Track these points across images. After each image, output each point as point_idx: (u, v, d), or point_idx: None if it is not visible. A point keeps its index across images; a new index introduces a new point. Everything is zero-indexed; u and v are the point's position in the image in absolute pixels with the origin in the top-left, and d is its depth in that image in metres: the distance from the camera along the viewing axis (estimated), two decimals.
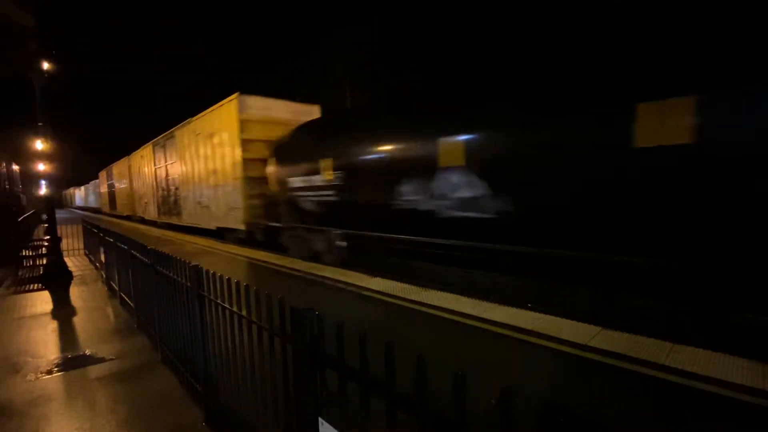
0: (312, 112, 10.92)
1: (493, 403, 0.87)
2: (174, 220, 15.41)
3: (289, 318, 1.59)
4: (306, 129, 8.95)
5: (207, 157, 11.74)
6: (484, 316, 4.19)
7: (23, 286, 6.99)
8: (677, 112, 3.41)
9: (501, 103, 5.06)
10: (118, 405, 2.89)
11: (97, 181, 34.90)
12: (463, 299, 4.82)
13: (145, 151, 18.39)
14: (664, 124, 3.48)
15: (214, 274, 2.36)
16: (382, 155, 6.39)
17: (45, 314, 5.34)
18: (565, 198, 4.36)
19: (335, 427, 1.33)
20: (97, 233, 7.62)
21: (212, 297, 2.38)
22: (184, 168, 13.75)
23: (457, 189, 5.30)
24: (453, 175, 5.32)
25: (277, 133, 9.79)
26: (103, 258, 6.94)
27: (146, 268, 3.77)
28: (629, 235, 4.02)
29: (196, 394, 2.81)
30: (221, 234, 11.66)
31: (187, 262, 2.74)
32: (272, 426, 1.89)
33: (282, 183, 8.87)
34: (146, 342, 4.10)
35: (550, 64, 4.76)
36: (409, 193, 5.95)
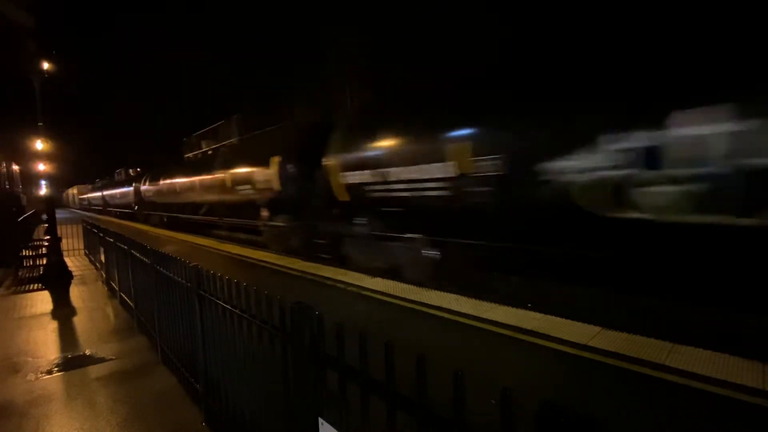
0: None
1: (493, 403, 0.87)
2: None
3: (289, 317, 1.59)
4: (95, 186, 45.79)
5: (78, 191, 56.87)
6: (484, 316, 4.19)
7: (23, 286, 6.98)
8: None
9: None
10: (118, 405, 2.90)
11: (68, 191, 76.04)
12: (463, 299, 4.82)
13: (72, 188, 60.96)
14: None
15: (213, 273, 2.36)
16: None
17: (45, 314, 5.35)
18: None
19: (335, 427, 1.32)
20: (97, 233, 7.62)
21: (212, 297, 2.38)
22: (73, 192, 62.98)
23: None
24: None
25: (85, 192, 51.56)
26: (103, 258, 6.94)
27: (146, 268, 3.77)
28: None
29: (196, 395, 2.81)
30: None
31: (187, 261, 2.74)
32: (272, 426, 1.89)
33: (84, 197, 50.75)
34: (146, 342, 4.10)
35: None
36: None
